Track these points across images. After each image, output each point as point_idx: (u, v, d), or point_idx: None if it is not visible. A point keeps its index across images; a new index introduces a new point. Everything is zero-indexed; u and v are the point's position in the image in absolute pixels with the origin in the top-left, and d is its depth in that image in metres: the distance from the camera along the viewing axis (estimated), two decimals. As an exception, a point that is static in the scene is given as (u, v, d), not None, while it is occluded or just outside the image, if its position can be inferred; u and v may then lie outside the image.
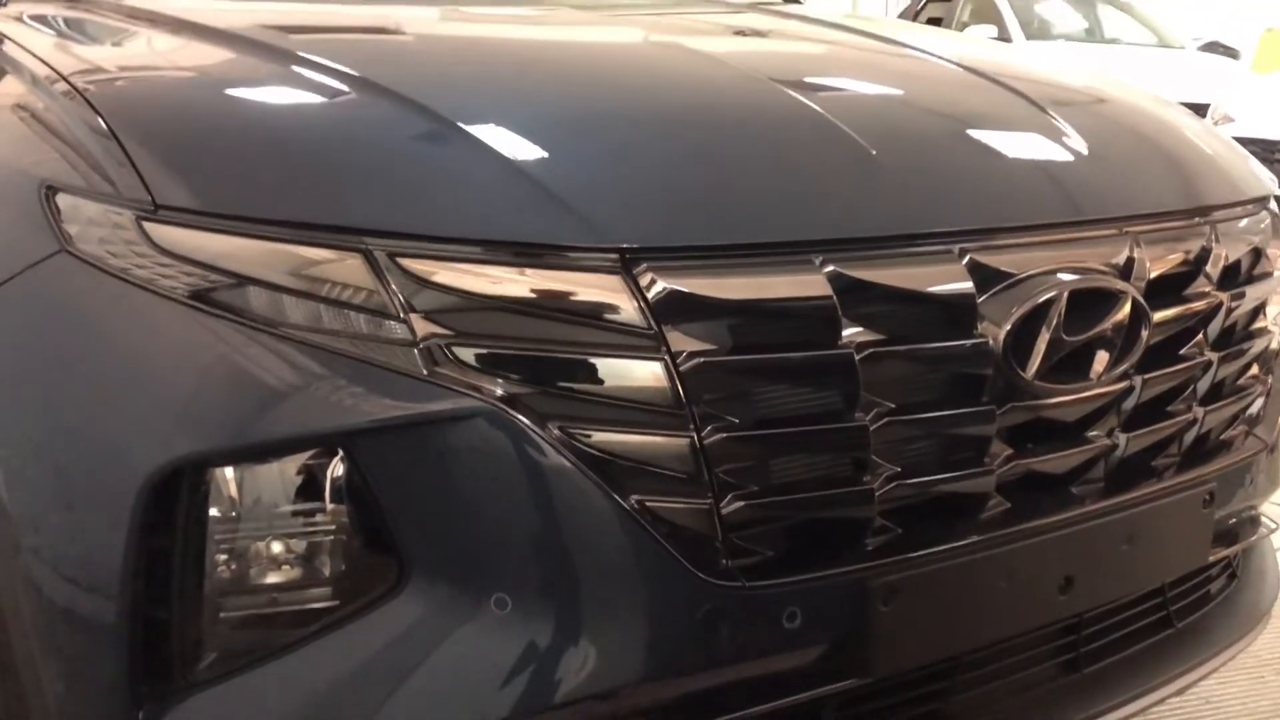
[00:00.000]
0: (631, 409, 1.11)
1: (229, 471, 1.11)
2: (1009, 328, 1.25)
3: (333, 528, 1.13)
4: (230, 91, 1.35)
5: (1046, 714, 1.45)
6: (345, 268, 1.09)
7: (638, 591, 1.13)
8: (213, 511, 1.11)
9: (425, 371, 1.08)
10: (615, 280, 1.11)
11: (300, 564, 1.14)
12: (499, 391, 1.08)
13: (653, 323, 1.11)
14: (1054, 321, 1.27)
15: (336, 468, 1.11)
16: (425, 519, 1.11)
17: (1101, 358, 1.33)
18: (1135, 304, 1.35)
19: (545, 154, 1.19)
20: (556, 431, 1.09)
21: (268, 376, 1.09)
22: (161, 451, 1.08)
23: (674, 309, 1.11)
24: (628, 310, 1.10)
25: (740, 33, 1.96)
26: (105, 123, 1.21)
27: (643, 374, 1.11)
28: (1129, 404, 1.40)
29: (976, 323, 1.25)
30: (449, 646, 1.11)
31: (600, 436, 1.10)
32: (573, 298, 1.10)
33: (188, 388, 1.10)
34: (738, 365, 1.14)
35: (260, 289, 1.10)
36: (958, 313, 1.25)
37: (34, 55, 1.44)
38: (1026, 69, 1.87)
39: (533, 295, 1.10)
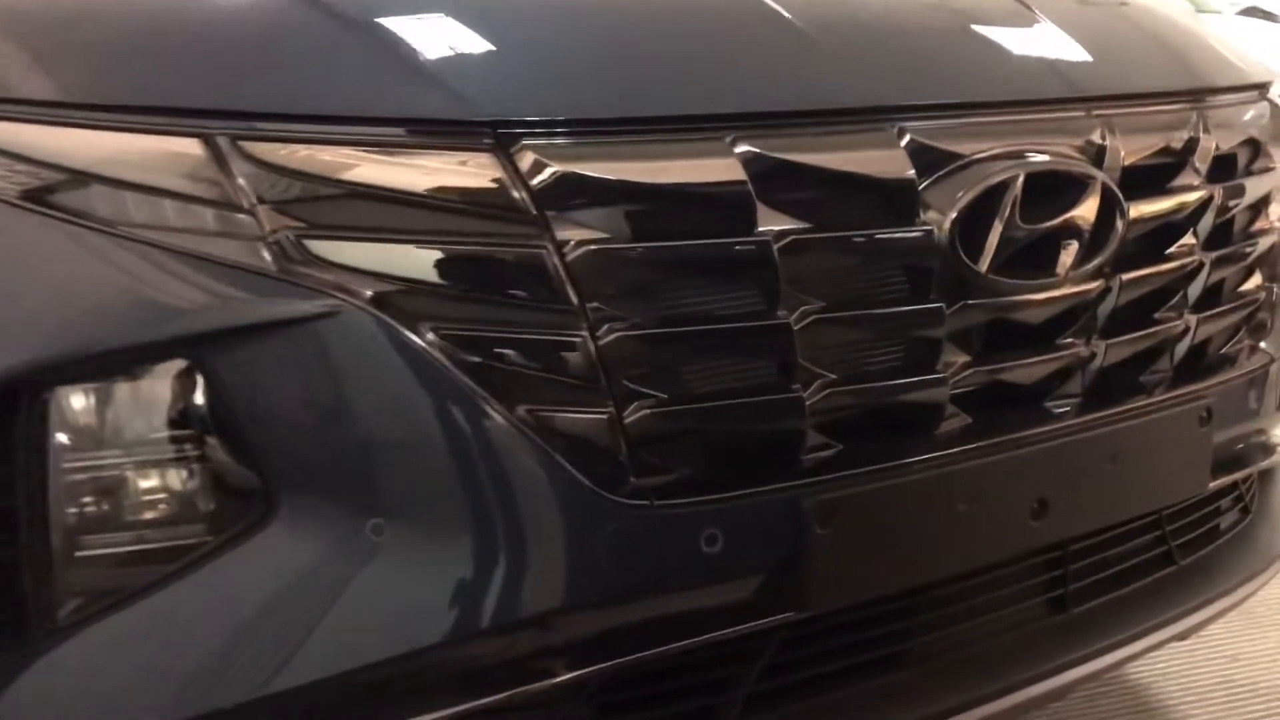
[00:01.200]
0: (514, 306, 0.99)
1: (73, 392, 0.99)
2: (955, 215, 1.12)
3: (196, 453, 1.01)
4: None
5: (1030, 657, 1.30)
6: (184, 155, 0.98)
7: (532, 515, 1.00)
8: (57, 437, 1.00)
9: (276, 268, 0.96)
10: (489, 159, 0.98)
11: (164, 494, 1.02)
12: (360, 289, 0.96)
13: (534, 207, 0.98)
14: (1008, 209, 1.13)
15: (193, 384, 0.99)
16: (288, 439, 0.98)
17: (1069, 251, 1.19)
18: (1107, 193, 1.20)
19: (407, 18, 1.06)
20: (430, 334, 0.97)
21: (104, 281, 0.98)
22: None
23: (559, 192, 0.98)
24: (505, 193, 0.98)
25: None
26: None
27: (525, 266, 0.98)
28: (1106, 308, 1.26)
29: (919, 210, 1.11)
30: (322, 580, 0.99)
31: (480, 339, 0.98)
32: (441, 181, 0.98)
33: (16, 297, 0.98)
34: (636, 256, 1.01)
35: (95, 184, 0.98)
36: (896, 199, 1.11)
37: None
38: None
39: (395, 179, 0.97)
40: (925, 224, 1.11)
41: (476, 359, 0.97)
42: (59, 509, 1.00)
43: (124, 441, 1.01)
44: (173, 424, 1.00)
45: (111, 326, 0.97)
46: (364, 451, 0.98)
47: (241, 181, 0.97)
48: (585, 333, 0.99)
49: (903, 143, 1.11)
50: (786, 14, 1.16)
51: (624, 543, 1.01)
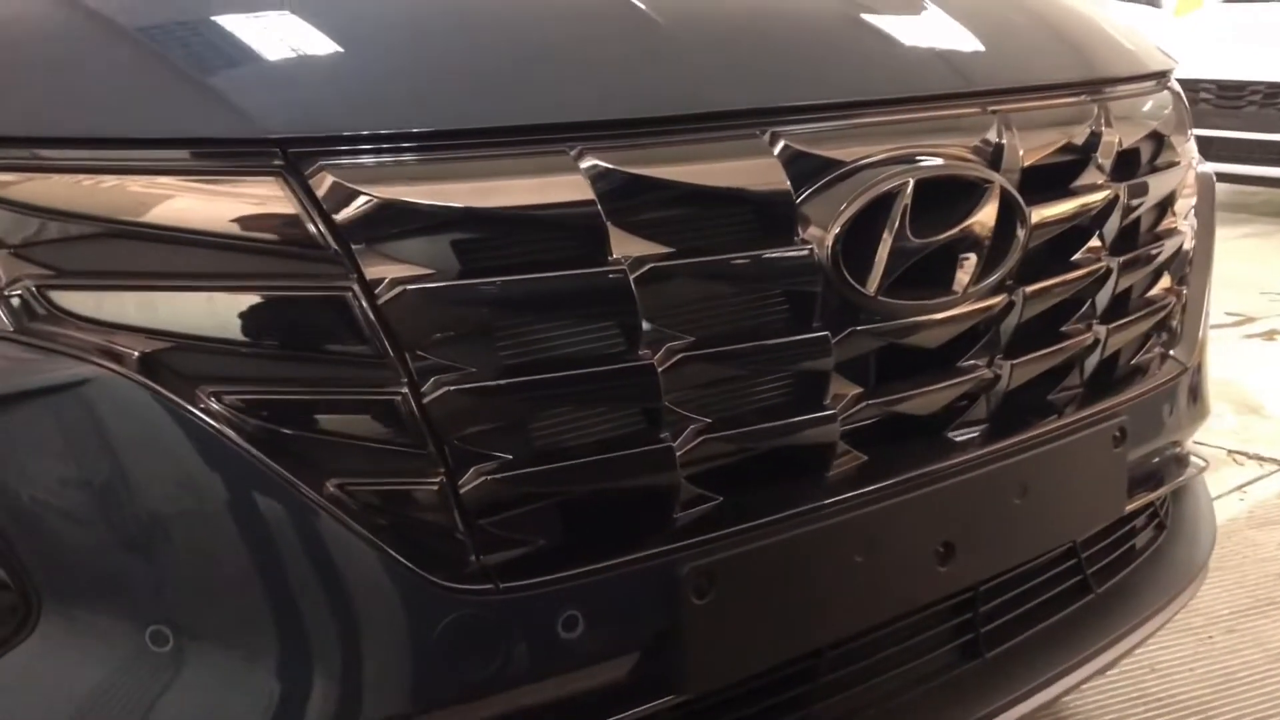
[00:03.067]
0: (316, 362, 0.82)
1: None
2: (838, 231, 0.98)
3: None
4: None
5: (947, 710, 1.17)
6: None
7: (351, 611, 0.83)
8: None
9: (14, 327, 0.78)
10: (278, 185, 0.81)
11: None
12: (121, 349, 0.78)
13: (335, 241, 0.81)
14: (897, 221, 1.00)
15: None
16: (47, 531, 0.80)
17: (967, 265, 1.06)
18: (1006, 198, 1.08)
19: (176, 22, 0.88)
20: (210, 400, 0.79)
21: None
22: None
23: (366, 222, 0.82)
24: (298, 225, 0.81)
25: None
26: None
27: (326, 313, 0.81)
28: (1010, 324, 1.13)
29: (796, 226, 0.97)
30: (97, 701, 0.81)
31: (274, 403, 0.81)
32: (219, 212, 0.80)
33: None
34: (464, 294, 0.84)
35: None
36: (770, 214, 0.97)
37: None
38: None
39: (163, 212, 0.80)
40: (804, 242, 0.97)
41: (270, 427, 0.80)
42: None
43: None
44: None
45: None
46: (135, 545, 0.80)
47: None
48: (405, 389, 0.82)
49: (776, 150, 0.97)
50: (641, 5, 1.01)
51: (465, 636, 0.85)
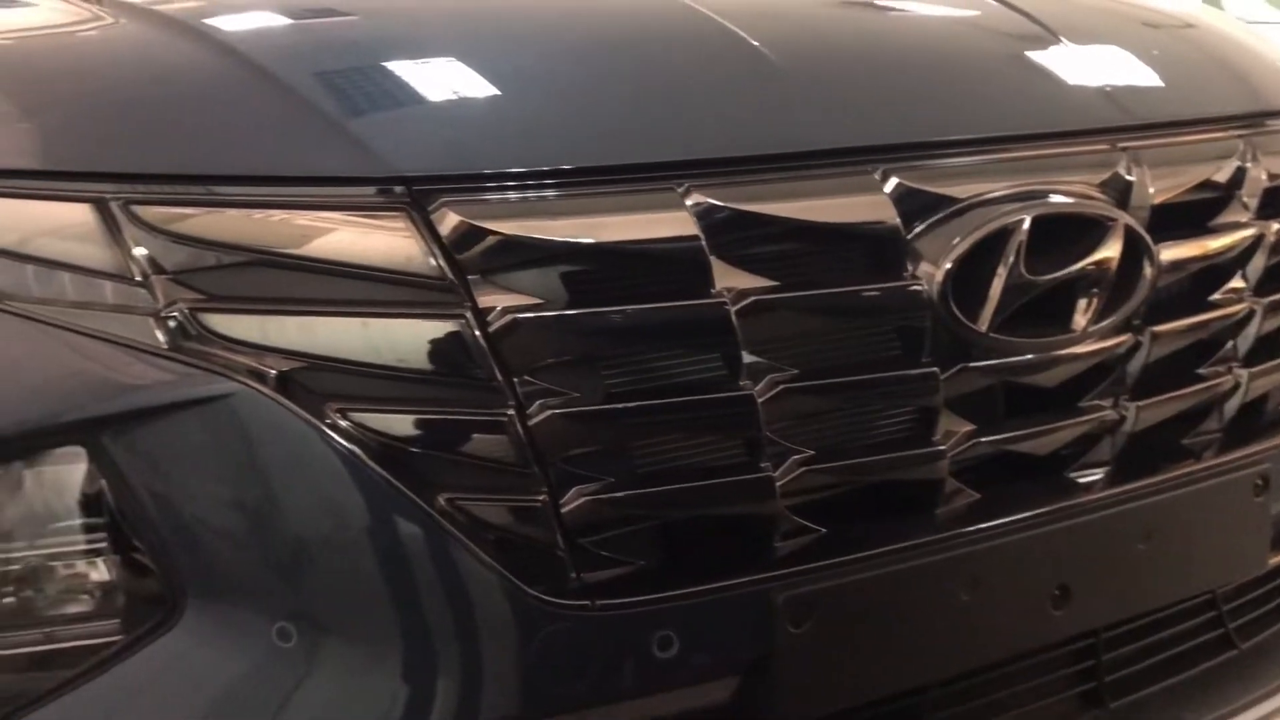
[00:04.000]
0: (431, 383, 0.88)
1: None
2: (949, 267, 0.98)
3: (100, 545, 0.92)
4: None
5: None
6: (76, 223, 0.89)
7: (456, 620, 0.89)
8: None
9: (169, 346, 0.87)
10: (402, 219, 0.88)
11: (67, 589, 0.94)
12: (260, 368, 0.86)
13: (452, 272, 0.87)
14: (1012, 258, 0.99)
15: (91, 470, 0.91)
16: (190, 531, 0.89)
17: (1086, 304, 1.04)
18: (1132, 236, 1.05)
19: (312, 65, 0.97)
20: (337, 417, 0.86)
21: (-4, 360, 0.90)
22: None
23: (481, 254, 0.88)
24: (418, 257, 0.87)
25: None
26: None
27: (442, 338, 0.87)
28: (1137, 364, 1.10)
29: (906, 262, 0.98)
30: (229, 688, 0.89)
31: (393, 421, 0.87)
32: (349, 244, 0.88)
33: None
34: (570, 324, 0.89)
35: None
36: (879, 250, 0.98)
37: None
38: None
39: (299, 243, 0.88)
40: (914, 277, 0.98)
41: (389, 443, 0.87)
42: None
43: (24, 534, 0.93)
44: (73, 513, 0.92)
45: (4, 410, 0.89)
46: (265, 547, 0.88)
47: (135, 250, 0.88)
48: (512, 411, 0.88)
49: (887, 187, 0.98)
50: (755, 42, 1.04)
51: (562, 649, 0.89)
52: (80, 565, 0.93)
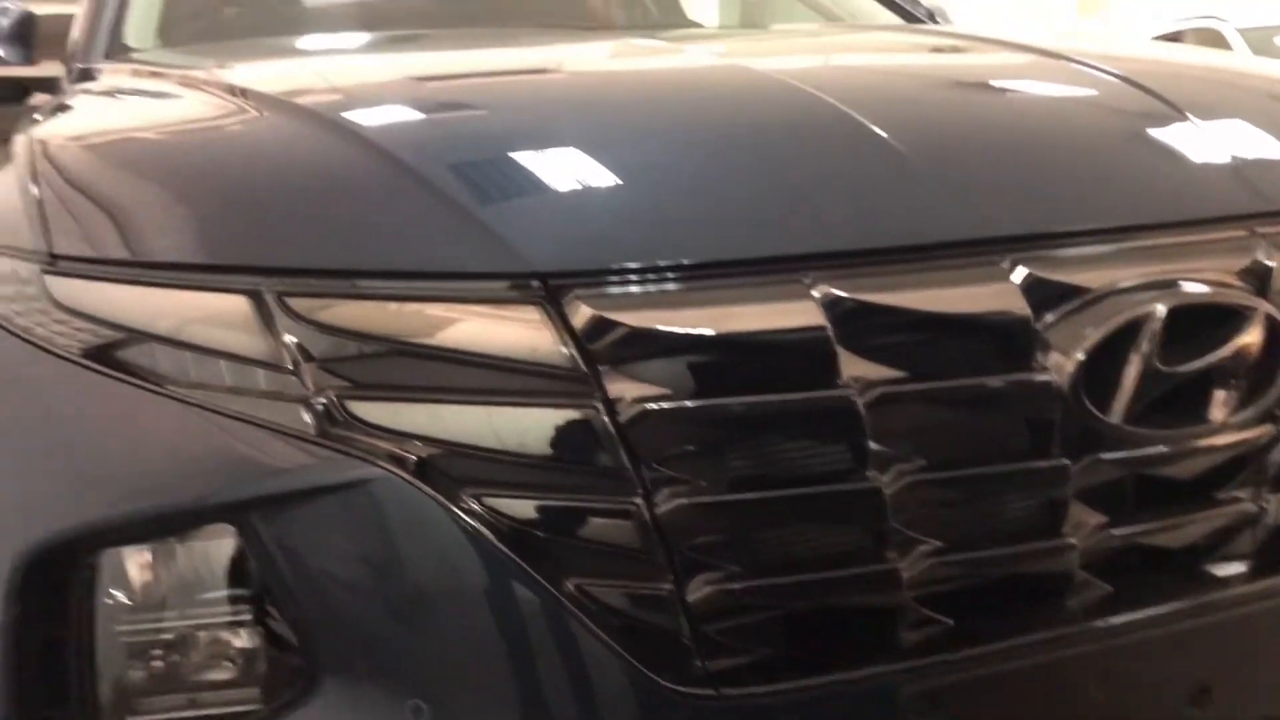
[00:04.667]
0: (562, 471, 0.90)
1: (122, 554, 0.97)
2: (1081, 358, 0.97)
3: (244, 618, 0.97)
4: (141, 127, 1.25)
5: None
6: (232, 313, 0.94)
7: (582, 702, 0.90)
8: (106, 599, 0.97)
9: (316, 432, 0.91)
10: (537, 312, 0.91)
11: (212, 660, 0.98)
12: (401, 453, 0.90)
13: (584, 363, 0.90)
14: (1146, 349, 0.98)
15: (238, 547, 0.95)
16: (330, 608, 0.93)
17: (1224, 395, 1.02)
18: (1273, 324, 1.03)
19: (451, 164, 1.01)
20: (472, 501, 0.89)
21: (154, 442, 0.95)
22: (34, 528, 0.95)
23: (611, 346, 0.90)
24: (552, 349, 0.90)
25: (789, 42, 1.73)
26: (35, 178, 1.13)
27: (573, 426, 0.90)
28: (1278, 456, 1.07)
29: (1035, 353, 0.97)
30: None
31: (525, 507, 0.90)
32: (486, 336, 0.91)
33: (70, 457, 0.97)
34: (698, 414, 0.91)
35: (148, 342, 0.97)
36: (1008, 341, 0.97)
37: (34, 123, 1.40)
38: (1149, 56, 1.55)
39: (438, 334, 0.92)
40: (1043, 368, 0.97)
41: (521, 528, 0.89)
42: (108, 671, 0.97)
43: (174, 604, 0.98)
44: (221, 588, 0.97)
45: (160, 489, 0.94)
46: (401, 626, 0.91)
47: (287, 339, 0.93)
48: (640, 499, 0.89)
49: (1015, 277, 0.98)
50: (879, 131, 1.05)
51: (687, 736, 0.90)
52: (225, 635, 0.98)
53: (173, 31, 2.09)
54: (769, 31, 2.07)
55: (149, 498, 0.93)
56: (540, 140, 1.05)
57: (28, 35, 2.03)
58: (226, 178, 1.06)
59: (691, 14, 3.08)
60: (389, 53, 1.77)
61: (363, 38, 2.04)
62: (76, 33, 2.04)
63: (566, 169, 1.02)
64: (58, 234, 1.03)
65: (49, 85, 2.00)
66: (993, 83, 1.34)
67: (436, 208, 0.97)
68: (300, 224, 0.98)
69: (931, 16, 2.62)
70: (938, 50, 1.59)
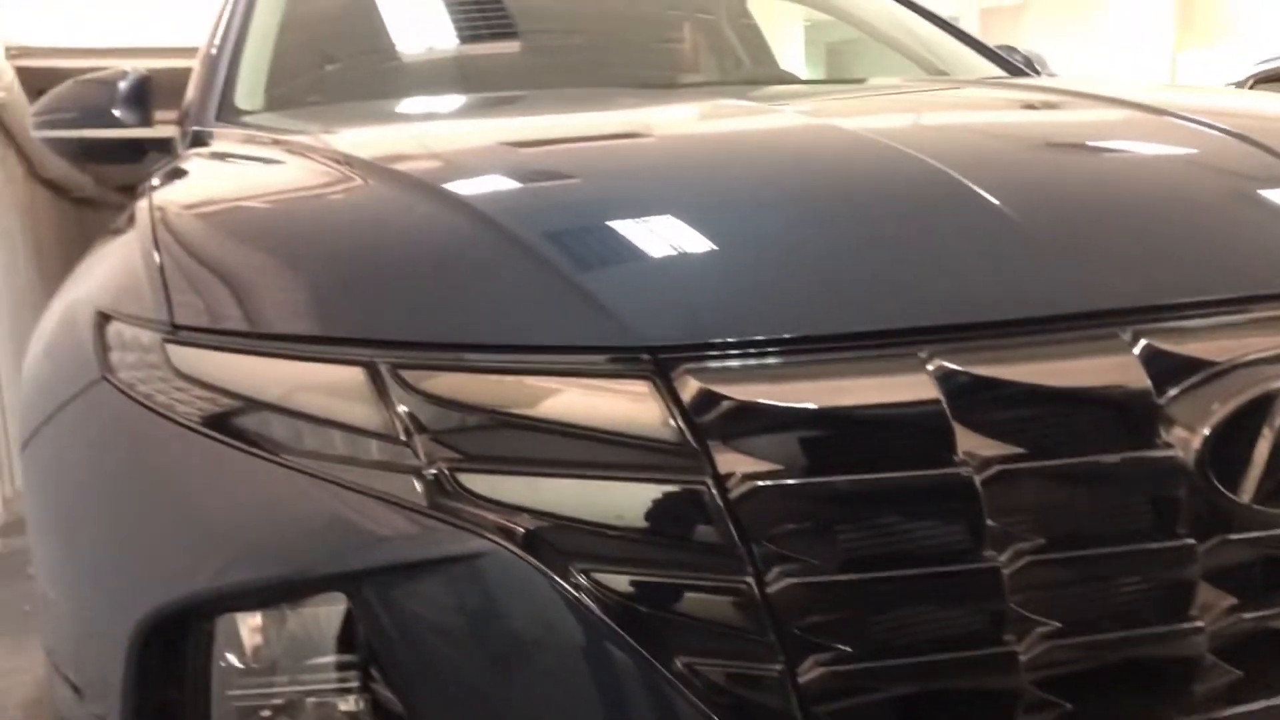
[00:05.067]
0: (671, 547, 0.89)
1: (237, 619, 0.98)
2: (1207, 434, 0.93)
3: (355, 685, 0.98)
4: (254, 196, 1.28)
5: None
6: (348, 385, 0.96)
7: (692, 781, 0.89)
8: (221, 663, 0.99)
9: (428, 504, 0.92)
10: (647, 387, 0.91)
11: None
12: (511, 526, 0.90)
13: (694, 439, 0.89)
14: (1278, 424, 0.94)
15: (350, 616, 0.96)
16: (436, 678, 0.93)
17: (1363, 473, 0.97)
18: None
19: (564, 239, 1.02)
20: (580, 576, 0.89)
21: (269, 510, 0.97)
22: (154, 594, 0.97)
23: (722, 421, 0.89)
24: (662, 423, 0.90)
25: (884, 100, 1.72)
26: (156, 245, 1.16)
27: (682, 502, 0.89)
28: None
29: (1158, 428, 0.94)
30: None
31: (633, 582, 0.89)
32: (596, 410, 0.91)
33: (189, 523, 0.99)
34: (811, 491, 0.89)
35: (265, 412, 0.99)
36: (1129, 417, 0.94)
37: (153, 189, 1.45)
38: (1258, 109, 1.50)
39: (549, 408, 0.92)
40: (1167, 445, 0.94)
41: (630, 604, 0.89)
42: None
43: (285, 669, 0.99)
44: (329, 653, 0.97)
45: (275, 558, 0.96)
46: (507, 699, 0.91)
47: (400, 409, 0.94)
48: (751, 578, 0.88)
49: (1136, 350, 0.95)
50: (991, 198, 1.04)
51: (797, 820, 0.88)
52: (333, 701, 0.98)
53: (279, 92, 2.15)
54: (867, 87, 2.05)
55: (265, 567, 0.94)
56: (646, 211, 1.05)
57: (145, 97, 2.10)
58: (340, 250, 1.08)
59: (784, 65, 3.09)
60: (490, 118, 1.80)
61: (462, 100, 2.08)
62: (190, 95, 2.11)
63: (674, 240, 1.02)
64: (179, 304, 1.06)
65: (163, 144, 2.08)
66: (1103, 144, 1.31)
67: (544, 280, 0.97)
68: (412, 297, 0.99)
69: (1030, 64, 2.59)
70: (1044, 108, 1.56)
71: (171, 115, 2.30)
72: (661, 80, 2.42)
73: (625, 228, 1.03)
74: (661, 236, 1.02)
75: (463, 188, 1.13)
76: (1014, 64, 2.49)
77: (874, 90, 1.93)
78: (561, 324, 0.94)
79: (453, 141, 1.44)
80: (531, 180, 1.18)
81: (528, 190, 1.15)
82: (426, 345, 0.95)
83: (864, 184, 1.12)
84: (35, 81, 6.01)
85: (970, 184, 1.05)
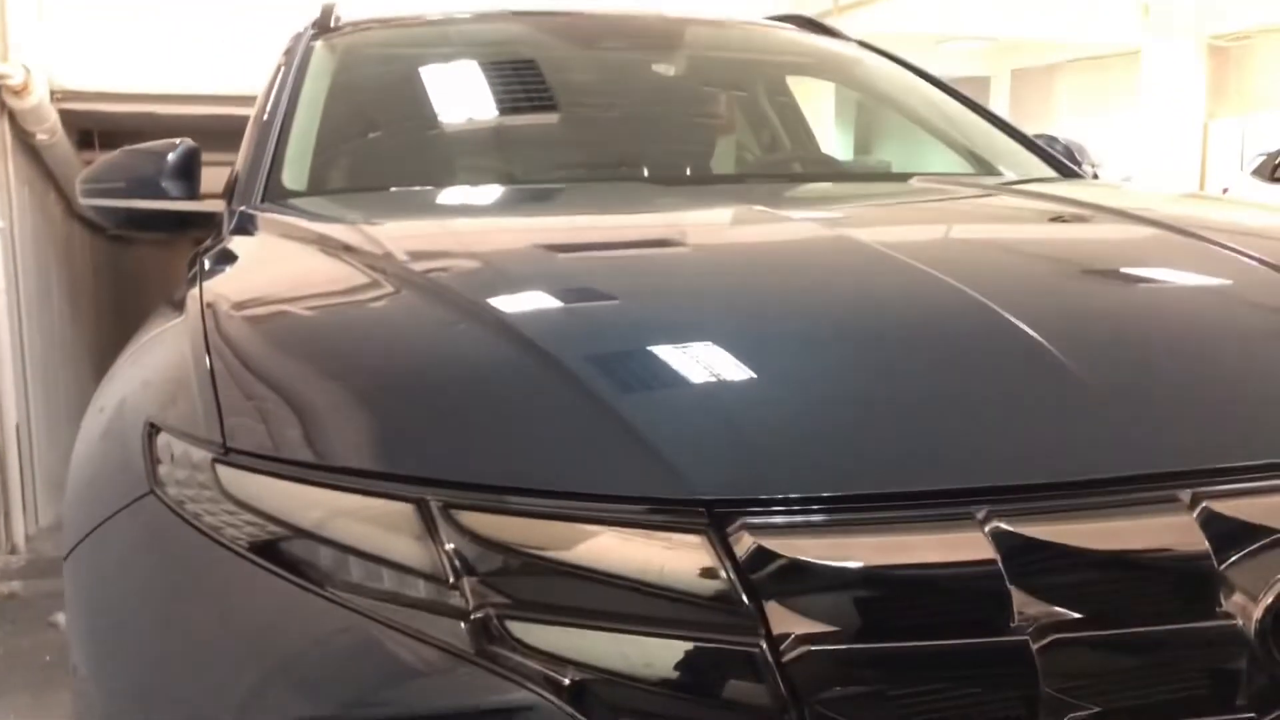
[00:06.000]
0: (721, 708, 0.88)
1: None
2: (1269, 602, 0.92)
3: None
4: (308, 309, 1.28)
5: None
6: (397, 520, 0.95)
7: None
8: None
9: (474, 650, 0.91)
10: (701, 541, 0.90)
11: None
12: (558, 677, 0.89)
13: (748, 597, 0.88)
14: (1343, 595, 0.92)
15: None
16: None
17: None
18: None
19: (623, 386, 1.01)
20: None
21: (311, 643, 0.96)
22: None
23: (777, 580, 0.88)
24: (714, 578, 0.89)
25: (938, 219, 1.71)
26: (209, 360, 1.16)
27: (734, 663, 0.88)
28: None
29: (1218, 596, 0.92)
30: None
31: (681, 742, 0.88)
32: (649, 562, 0.90)
33: (228, 649, 0.99)
34: (864, 656, 0.88)
35: (312, 543, 0.98)
36: (1188, 583, 0.93)
37: (203, 275, 1.46)
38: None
39: (600, 558, 0.91)
40: (1227, 614, 0.92)
41: None
42: None
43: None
44: None
45: (316, 694, 0.95)
46: None
47: (449, 547, 0.94)
48: (802, 741, 0.87)
49: (1195, 513, 0.93)
50: (1056, 352, 1.03)
51: None
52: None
53: (326, 170, 2.16)
54: (915, 194, 2.03)
55: (307, 706, 0.93)
56: (706, 356, 1.05)
57: (193, 170, 2.11)
58: (398, 383, 1.07)
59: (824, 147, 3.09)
60: (540, 228, 1.76)
61: (506, 195, 2.06)
62: (238, 167, 2.13)
63: (731, 388, 1.01)
64: (231, 425, 1.06)
65: (206, 219, 2.09)
66: (1167, 286, 1.30)
67: (601, 424, 0.97)
68: (467, 436, 0.99)
69: (1071, 156, 2.58)
70: (1101, 236, 1.56)
71: (217, 159, 2.32)
72: (703, 165, 2.43)
73: (684, 372, 1.03)
74: (720, 383, 1.02)
75: (523, 322, 1.12)
76: (1057, 157, 2.48)
77: (924, 198, 1.92)
78: (616, 472, 0.93)
79: (509, 260, 1.43)
80: (592, 316, 1.17)
81: (588, 327, 1.14)
82: (479, 486, 0.94)
83: (927, 332, 1.11)
84: (78, 122, 6.10)
85: (1034, 334, 1.05)
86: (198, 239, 2.09)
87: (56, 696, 2.92)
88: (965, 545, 0.90)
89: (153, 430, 1.15)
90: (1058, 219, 1.66)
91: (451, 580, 0.93)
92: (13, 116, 5.30)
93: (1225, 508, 0.94)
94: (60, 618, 3.44)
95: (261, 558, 1.00)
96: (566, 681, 0.89)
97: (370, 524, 0.97)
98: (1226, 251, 1.34)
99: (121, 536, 1.12)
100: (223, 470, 1.04)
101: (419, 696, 0.91)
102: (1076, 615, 0.90)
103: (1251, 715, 0.92)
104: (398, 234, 1.59)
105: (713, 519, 0.90)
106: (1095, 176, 2.57)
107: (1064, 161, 2.48)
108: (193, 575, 1.04)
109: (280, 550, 0.99)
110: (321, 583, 0.97)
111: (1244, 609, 0.92)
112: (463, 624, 0.92)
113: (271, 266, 1.53)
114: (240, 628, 1.00)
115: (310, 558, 0.98)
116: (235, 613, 1.01)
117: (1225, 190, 7.73)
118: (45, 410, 5.70)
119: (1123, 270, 1.36)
